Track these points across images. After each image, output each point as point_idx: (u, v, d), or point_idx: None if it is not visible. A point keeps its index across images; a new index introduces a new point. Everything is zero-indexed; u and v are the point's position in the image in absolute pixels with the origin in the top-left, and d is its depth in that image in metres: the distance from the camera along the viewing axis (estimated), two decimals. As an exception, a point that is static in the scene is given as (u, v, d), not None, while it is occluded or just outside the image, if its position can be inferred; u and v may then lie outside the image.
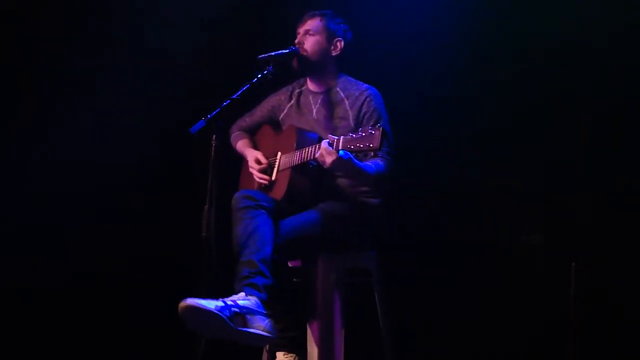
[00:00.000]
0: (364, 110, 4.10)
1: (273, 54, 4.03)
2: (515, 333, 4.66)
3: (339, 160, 3.72)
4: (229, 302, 3.52)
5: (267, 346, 4.12)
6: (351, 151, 3.67)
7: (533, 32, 4.76)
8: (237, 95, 3.84)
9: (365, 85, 4.20)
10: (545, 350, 4.61)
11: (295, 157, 4.01)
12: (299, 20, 4.27)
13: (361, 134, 3.64)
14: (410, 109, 4.79)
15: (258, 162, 4.27)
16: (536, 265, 4.64)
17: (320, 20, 4.22)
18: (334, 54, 4.24)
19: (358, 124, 4.08)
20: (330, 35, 4.22)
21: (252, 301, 3.58)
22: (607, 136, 4.60)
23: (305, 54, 4.18)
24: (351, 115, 4.12)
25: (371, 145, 3.60)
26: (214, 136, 3.75)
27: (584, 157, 4.62)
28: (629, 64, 4.56)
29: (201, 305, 3.45)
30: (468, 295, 4.77)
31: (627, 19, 4.57)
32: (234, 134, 4.53)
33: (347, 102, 4.16)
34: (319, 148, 3.79)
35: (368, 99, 4.12)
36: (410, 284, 4.77)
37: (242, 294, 3.60)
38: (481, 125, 4.89)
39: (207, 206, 3.69)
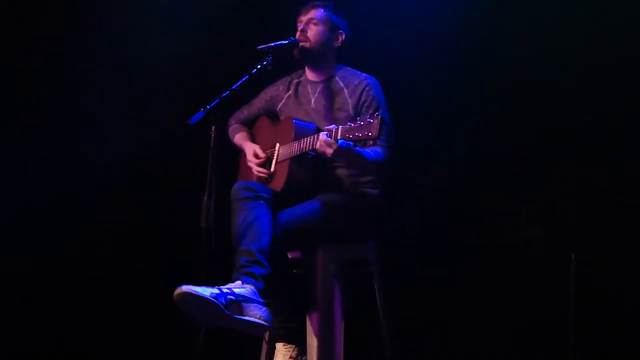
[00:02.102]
0: (362, 99, 4.11)
1: (272, 44, 4.02)
2: (514, 328, 4.67)
3: (339, 149, 3.71)
4: (225, 290, 3.50)
5: (267, 337, 4.09)
6: (350, 140, 3.67)
7: (532, 30, 4.78)
8: (237, 86, 3.83)
9: (364, 74, 4.21)
10: (545, 346, 4.60)
11: (294, 148, 4.01)
12: (301, 9, 4.27)
13: (359, 123, 3.63)
14: (410, 104, 4.78)
15: (256, 155, 4.27)
16: (535, 261, 4.63)
17: (324, 11, 4.23)
18: (336, 45, 4.26)
19: (357, 112, 4.08)
20: (333, 27, 4.24)
21: (249, 289, 3.56)
22: (608, 133, 4.60)
23: (307, 43, 4.19)
24: (350, 104, 4.13)
25: (370, 134, 3.59)
26: (214, 127, 3.75)
27: (584, 153, 4.62)
28: (629, 63, 4.57)
29: (196, 292, 3.43)
30: (467, 289, 4.77)
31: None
32: (232, 126, 4.54)
33: (346, 92, 4.16)
34: (317, 138, 3.79)
35: (367, 88, 4.13)
36: (410, 275, 4.77)
37: (239, 282, 3.59)
38: (482, 121, 4.90)
39: (206, 197, 3.68)
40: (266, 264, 3.67)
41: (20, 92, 5.22)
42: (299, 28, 4.21)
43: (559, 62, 4.73)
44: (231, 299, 3.49)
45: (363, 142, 3.75)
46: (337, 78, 4.23)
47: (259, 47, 4.01)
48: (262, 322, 3.56)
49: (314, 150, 3.84)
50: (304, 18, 4.24)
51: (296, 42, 4.16)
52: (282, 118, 4.33)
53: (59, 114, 5.23)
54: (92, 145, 5.23)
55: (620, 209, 4.53)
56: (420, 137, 4.90)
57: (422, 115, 4.95)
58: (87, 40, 5.24)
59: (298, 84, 4.35)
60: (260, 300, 3.58)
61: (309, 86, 4.29)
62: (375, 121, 3.58)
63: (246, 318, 3.52)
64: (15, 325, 5.05)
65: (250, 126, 4.52)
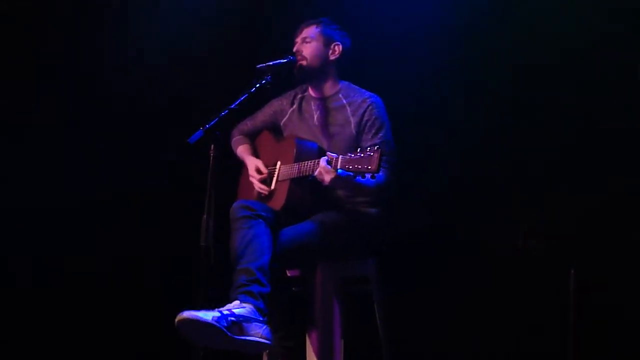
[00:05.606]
0: (365, 118, 4.10)
1: (271, 63, 4.04)
2: (515, 340, 4.67)
3: (337, 178, 3.75)
4: (225, 312, 3.52)
5: (267, 356, 4.11)
6: (349, 171, 3.68)
7: (533, 31, 4.77)
8: (235, 105, 3.83)
9: (368, 93, 4.21)
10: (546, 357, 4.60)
11: (294, 170, 4.03)
12: (296, 30, 4.30)
13: (360, 155, 3.64)
14: (406, 111, 4.76)
15: (259, 171, 4.28)
16: (536, 271, 4.64)
17: (317, 27, 4.24)
18: (332, 58, 4.24)
19: (359, 131, 4.09)
20: (327, 40, 4.24)
21: (248, 309, 3.58)
22: (606, 138, 4.60)
23: (303, 61, 4.20)
24: (353, 122, 4.12)
25: (369, 167, 3.60)
26: (212, 146, 3.74)
27: (583, 159, 4.62)
28: (628, 65, 4.56)
29: (198, 317, 3.45)
30: (468, 303, 4.77)
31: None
32: (235, 138, 4.54)
33: (349, 109, 4.17)
34: (318, 164, 3.81)
35: (370, 107, 4.12)
36: (410, 292, 4.77)
37: (237, 302, 3.60)
38: (480, 127, 4.89)
39: (205, 216, 3.68)
40: (265, 282, 3.69)
41: (22, 92, 5.23)
42: (294, 49, 4.23)
43: (560, 61, 4.72)
44: (232, 321, 3.50)
45: (362, 174, 3.73)
46: (339, 95, 4.23)
47: (258, 65, 4.02)
48: (264, 341, 3.59)
49: (314, 176, 3.87)
50: (298, 39, 4.26)
51: (294, 61, 4.18)
52: (285, 134, 4.34)
53: (62, 116, 5.27)
54: (94, 161, 5.26)
55: (620, 223, 4.52)
56: (420, 151, 4.90)
57: (423, 129, 4.94)
58: (82, 60, 5.28)
59: (302, 99, 4.35)
60: (260, 318, 3.60)
61: (312, 102, 4.30)
62: (376, 155, 3.59)
63: (248, 338, 3.54)
64: (15, 326, 5.08)
65: (253, 138, 4.52)
